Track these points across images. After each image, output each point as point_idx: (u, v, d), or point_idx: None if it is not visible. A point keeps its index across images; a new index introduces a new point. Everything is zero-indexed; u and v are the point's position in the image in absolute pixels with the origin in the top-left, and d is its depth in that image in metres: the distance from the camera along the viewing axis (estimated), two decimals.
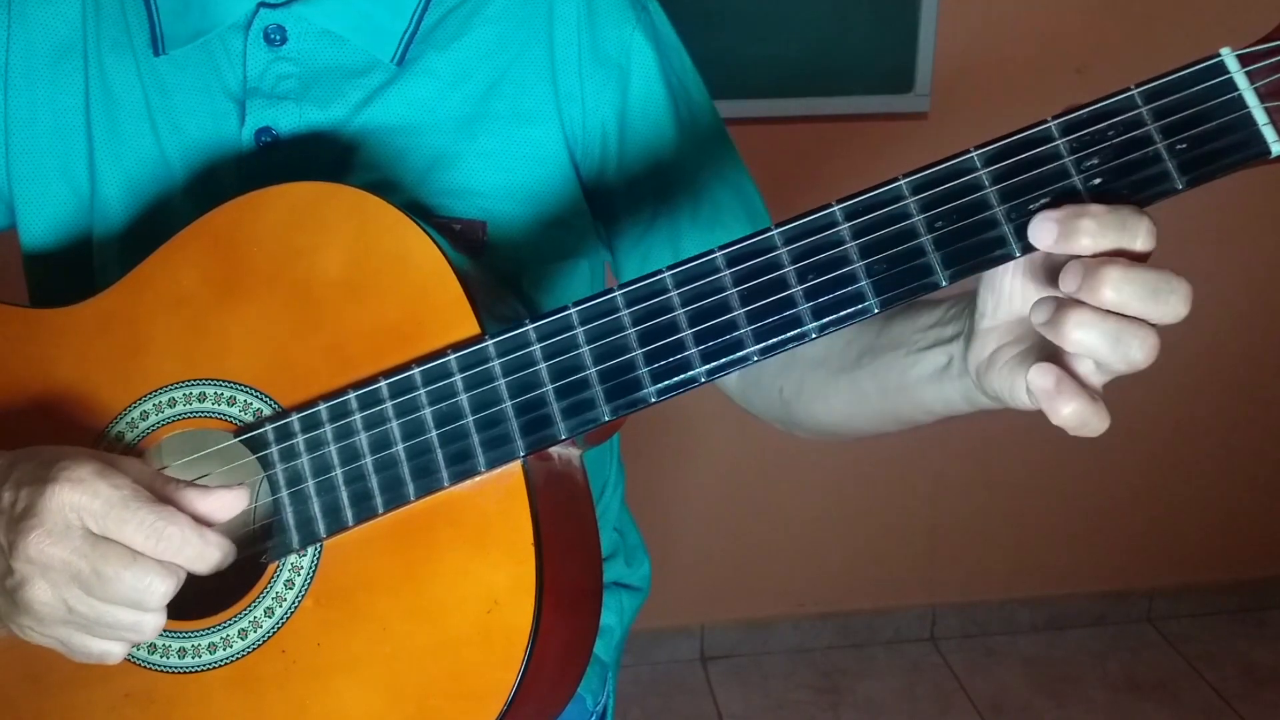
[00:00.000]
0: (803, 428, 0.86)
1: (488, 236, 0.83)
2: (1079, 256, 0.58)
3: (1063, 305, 0.58)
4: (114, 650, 0.67)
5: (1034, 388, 0.59)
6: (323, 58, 0.83)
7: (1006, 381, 0.63)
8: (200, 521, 0.67)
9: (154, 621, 0.66)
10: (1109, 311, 0.56)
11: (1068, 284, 0.57)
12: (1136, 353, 0.57)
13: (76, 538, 0.64)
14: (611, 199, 0.88)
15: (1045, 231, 0.58)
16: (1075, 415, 0.58)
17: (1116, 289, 0.56)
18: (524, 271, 0.86)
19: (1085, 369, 0.60)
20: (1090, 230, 0.57)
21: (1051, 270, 0.61)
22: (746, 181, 0.92)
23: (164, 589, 0.65)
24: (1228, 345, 2.52)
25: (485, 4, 0.85)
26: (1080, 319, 0.57)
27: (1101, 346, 0.57)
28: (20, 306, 0.80)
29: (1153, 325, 0.57)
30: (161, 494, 0.67)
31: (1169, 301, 0.56)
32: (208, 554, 0.66)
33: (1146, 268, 0.57)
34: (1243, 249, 2.49)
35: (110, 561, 0.63)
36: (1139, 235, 0.57)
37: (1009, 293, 0.63)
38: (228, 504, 0.68)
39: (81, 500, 0.63)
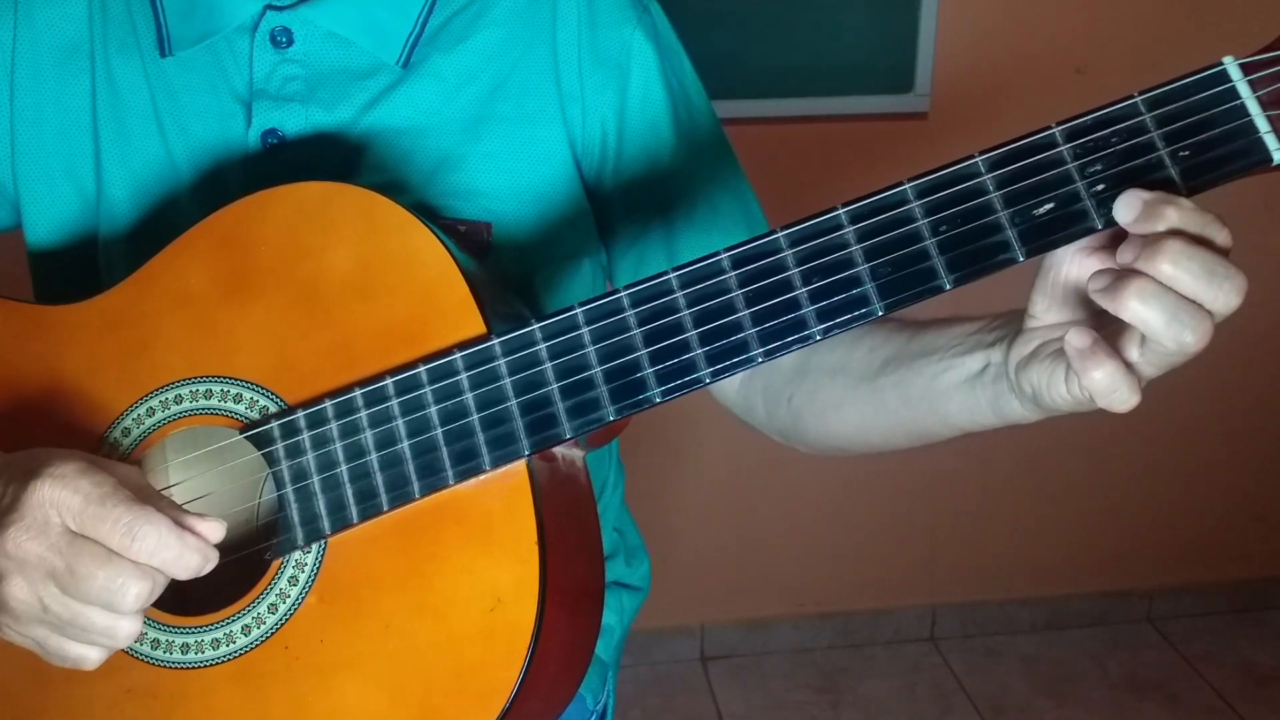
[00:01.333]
0: (806, 440, 0.85)
1: (493, 238, 0.83)
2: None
3: (1123, 274, 0.57)
4: (89, 655, 0.66)
5: (1070, 349, 0.59)
6: (328, 60, 0.84)
7: (1046, 372, 0.63)
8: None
9: (128, 627, 0.64)
10: (1169, 288, 0.56)
11: (1125, 254, 0.58)
12: (1189, 334, 0.57)
13: (54, 534, 0.63)
14: (609, 199, 0.88)
15: (1129, 208, 0.58)
16: (1107, 378, 0.58)
17: (1174, 262, 0.56)
18: (529, 272, 0.86)
19: (1132, 356, 0.60)
20: (1171, 219, 0.57)
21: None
22: (744, 186, 0.92)
23: (137, 590, 0.63)
24: (1228, 346, 2.51)
25: (490, 7, 0.86)
26: (1141, 288, 0.56)
27: (1157, 320, 0.56)
28: (27, 302, 0.80)
29: (1208, 312, 0.57)
30: (144, 498, 0.65)
31: (1223, 287, 0.56)
32: (186, 557, 0.64)
33: (1206, 250, 0.57)
34: (1243, 253, 2.47)
35: (84, 560, 0.62)
36: (1217, 237, 0.58)
37: (1062, 296, 0.64)
38: (200, 532, 0.66)
39: (61, 496, 0.63)
